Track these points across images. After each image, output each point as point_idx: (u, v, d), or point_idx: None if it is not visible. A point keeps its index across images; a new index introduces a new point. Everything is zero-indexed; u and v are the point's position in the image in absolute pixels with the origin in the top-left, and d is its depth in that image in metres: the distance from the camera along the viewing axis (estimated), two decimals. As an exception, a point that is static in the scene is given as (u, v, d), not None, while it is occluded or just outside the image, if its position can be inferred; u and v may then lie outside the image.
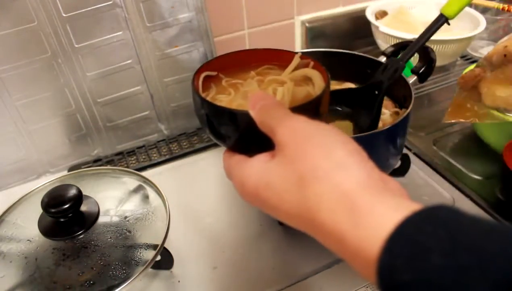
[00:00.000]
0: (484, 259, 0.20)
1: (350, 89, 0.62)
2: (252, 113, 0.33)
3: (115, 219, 0.51)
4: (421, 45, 0.57)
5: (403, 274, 0.22)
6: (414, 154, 0.72)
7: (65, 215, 0.47)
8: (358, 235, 0.25)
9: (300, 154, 0.29)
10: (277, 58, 0.45)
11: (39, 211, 0.48)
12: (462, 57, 1.00)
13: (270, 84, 0.42)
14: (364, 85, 0.60)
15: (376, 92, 0.57)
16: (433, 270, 0.21)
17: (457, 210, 0.23)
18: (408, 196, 0.28)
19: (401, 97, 0.61)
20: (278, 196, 0.30)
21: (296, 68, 0.44)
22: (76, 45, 0.68)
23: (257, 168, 0.32)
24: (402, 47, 0.65)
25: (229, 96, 0.42)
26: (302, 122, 0.31)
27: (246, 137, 0.36)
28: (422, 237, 0.22)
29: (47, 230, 0.48)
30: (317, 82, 0.41)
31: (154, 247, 0.48)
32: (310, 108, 0.36)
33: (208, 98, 0.41)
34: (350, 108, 0.61)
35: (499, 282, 0.20)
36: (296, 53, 0.44)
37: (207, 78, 0.44)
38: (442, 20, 0.55)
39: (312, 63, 0.43)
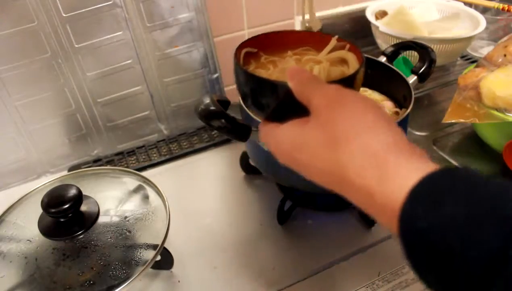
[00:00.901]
0: (493, 207, 0.23)
1: None
2: (291, 84, 0.36)
3: (115, 219, 0.51)
4: None
5: (421, 221, 0.24)
6: (414, 154, 0.72)
7: (65, 215, 0.47)
8: (384, 190, 0.27)
9: (334, 117, 0.31)
10: (315, 40, 0.47)
11: (39, 211, 0.48)
12: (462, 57, 1.00)
13: (307, 63, 0.44)
14: None
15: None
16: (446, 216, 0.24)
17: (472, 170, 0.26)
18: (429, 159, 0.30)
19: (401, 97, 0.61)
20: (311, 155, 0.32)
21: (332, 51, 0.45)
22: (76, 45, 0.68)
23: (292, 130, 0.34)
24: (402, 47, 0.65)
25: (268, 71, 0.44)
26: (336, 90, 0.33)
27: (283, 106, 0.38)
28: (439, 190, 0.25)
29: (47, 230, 0.48)
30: (352, 63, 0.43)
31: (154, 247, 0.48)
32: (344, 85, 0.38)
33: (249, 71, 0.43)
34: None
35: (508, 230, 0.22)
36: (333, 36, 0.46)
37: (247, 54, 0.46)
38: None
39: (348, 45, 0.45)
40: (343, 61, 0.44)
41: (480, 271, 0.22)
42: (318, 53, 0.46)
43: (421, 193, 0.25)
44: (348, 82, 0.39)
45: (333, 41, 0.45)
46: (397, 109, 0.62)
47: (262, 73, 0.44)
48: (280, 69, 0.44)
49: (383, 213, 0.27)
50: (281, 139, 0.35)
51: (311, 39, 0.47)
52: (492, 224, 0.22)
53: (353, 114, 0.31)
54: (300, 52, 0.47)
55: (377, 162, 0.28)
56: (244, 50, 0.45)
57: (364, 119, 0.30)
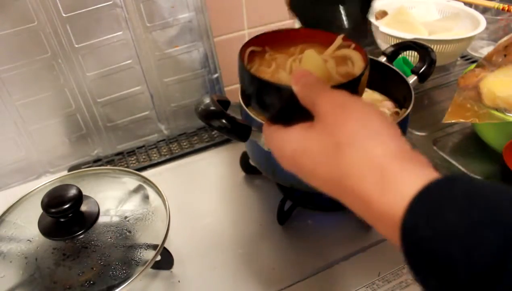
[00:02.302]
0: (496, 215, 0.23)
1: None
2: (295, 88, 0.35)
3: (115, 219, 0.51)
4: None
5: (423, 231, 0.24)
6: (414, 154, 0.72)
7: (65, 215, 0.47)
8: (384, 199, 0.27)
9: (338, 123, 0.31)
10: (320, 38, 0.47)
11: (39, 211, 0.48)
12: (462, 57, 1.00)
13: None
14: None
15: None
16: (448, 226, 0.23)
17: (473, 178, 0.26)
18: (433, 168, 0.29)
19: (401, 97, 0.61)
20: (314, 161, 0.32)
21: (337, 49, 0.45)
22: (76, 45, 0.68)
23: (295, 134, 0.34)
24: (402, 47, 0.65)
25: (270, 68, 0.44)
26: (342, 95, 0.33)
27: (287, 110, 0.38)
28: (440, 199, 0.25)
29: (47, 230, 0.48)
30: (357, 63, 0.43)
31: (154, 247, 0.48)
32: (350, 88, 0.38)
33: (252, 70, 0.43)
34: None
35: (509, 236, 0.22)
36: (339, 34, 0.46)
37: (251, 51, 0.46)
38: None
39: (353, 45, 0.45)
40: (348, 59, 0.44)
41: (484, 270, 0.22)
42: (324, 49, 0.46)
43: (422, 202, 0.25)
44: (354, 84, 0.39)
45: (339, 40, 0.45)
46: (397, 110, 0.62)
47: (266, 70, 0.44)
48: (284, 66, 0.44)
49: (383, 222, 0.27)
50: (284, 144, 0.35)
51: (316, 36, 0.47)
52: (494, 230, 0.22)
53: (356, 121, 0.31)
54: (305, 49, 0.47)
55: (378, 170, 0.28)
56: (248, 50, 0.45)
57: (367, 126, 0.30)
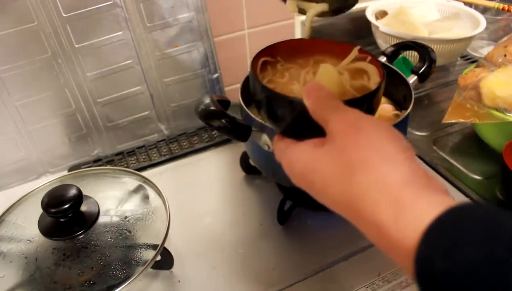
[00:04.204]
0: None
1: None
2: (307, 102, 0.35)
3: (115, 219, 0.51)
4: None
5: (440, 265, 0.23)
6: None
7: (65, 215, 0.47)
8: (397, 227, 0.26)
9: (350, 145, 0.30)
10: (335, 49, 0.46)
11: (39, 211, 0.48)
12: (462, 57, 1.00)
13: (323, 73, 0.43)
14: None
15: None
16: (470, 262, 0.22)
17: (491, 206, 0.25)
18: (449, 194, 0.29)
19: (401, 98, 0.61)
20: (325, 181, 0.31)
21: (352, 61, 0.45)
22: (76, 45, 0.68)
23: (306, 152, 0.33)
24: (402, 47, 0.65)
25: (283, 79, 0.43)
26: (355, 114, 0.32)
27: (298, 123, 0.38)
28: (457, 230, 0.23)
29: (47, 230, 0.48)
30: (372, 77, 0.42)
31: (154, 247, 0.48)
32: (364, 103, 0.37)
33: (264, 82, 0.42)
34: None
35: None
36: (355, 46, 0.45)
37: (264, 60, 0.46)
38: None
39: (369, 58, 0.44)
40: (364, 72, 0.43)
41: None
42: (338, 61, 0.45)
43: (437, 233, 0.24)
44: (369, 99, 0.38)
45: (354, 52, 0.44)
46: (397, 112, 0.62)
47: (278, 81, 0.43)
48: (296, 78, 0.43)
49: (397, 251, 0.26)
50: (294, 160, 0.34)
51: (330, 47, 0.46)
52: None
53: (369, 144, 0.30)
54: (320, 59, 0.46)
55: (392, 196, 0.27)
56: (261, 60, 0.44)
57: (381, 150, 0.29)
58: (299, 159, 0.34)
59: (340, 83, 0.41)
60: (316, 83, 0.36)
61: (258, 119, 0.52)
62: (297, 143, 0.35)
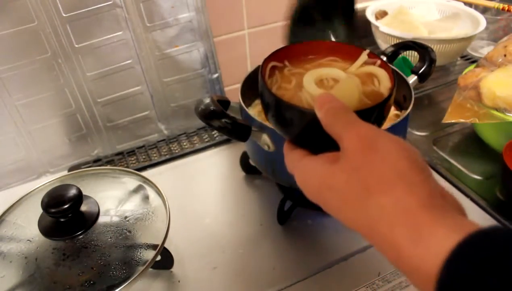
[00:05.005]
0: None
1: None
2: (319, 114, 0.34)
3: (115, 219, 0.51)
4: None
5: None
6: (414, 154, 0.72)
7: (65, 215, 0.47)
8: (417, 253, 0.25)
9: (367, 164, 0.29)
10: (344, 51, 0.45)
11: (39, 211, 0.48)
12: (462, 57, 1.00)
13: (330, 82, 0.42)
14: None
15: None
16: (490, 289, 0.22)
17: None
18: (465, 212, 0.29)
19: (401, 98, 0.61)
20: (340, 200, 0.30)
21: (362, 66, 0.44)
22: (76, 45, 0.68)
23: (321, 169, 0.32)
24: (402, 47, 0.65)
25: (291, 85, 0.42)
26: (370, 131, 0.31)
27: (310, 134, 0.37)
28: (480, 259, 0.23)
29: (47, 230, 0.48)
30: (383, 82, 0.41)
31: (154, 247, 0.48)
32: (377, 111, 0.36)
33: (274, 89, 0.41)
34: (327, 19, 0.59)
35: None
36: (364, 49, 0.44)
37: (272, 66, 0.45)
38: None
39: (379, 62, 0.43)
40: (373, 77, 0.42)
41: None
42: (346, 64, 0.44)
43: (458, 261, 0.23)
44: (381, 107, 0.37)
45: (364, 56, 0.43)
46: (397, 112, 0.62)
47: (287, 87, 0.42)
48: (305, 82, 0.42)
49: (417, 275, 0.26)
50: (309, 176, 0.33)
51: (340, 50, 0.45)
52: None
53: (386, 163, 0.29)
54: (327, 63, 0.45)
55: (410, 220, 0.26)
56: (270, 65, 0.43)
57: (397, 170, 0.29)
58: (313, 175, 0.33)
59: (360, 100, 0.39)
60: (328, 94, 0.35)
61: (258, 119, 0.52)
62: (310, 158, 0.34)
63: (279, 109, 0.38)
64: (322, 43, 0.46)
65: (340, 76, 0.42)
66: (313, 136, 0.36)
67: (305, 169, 0.34)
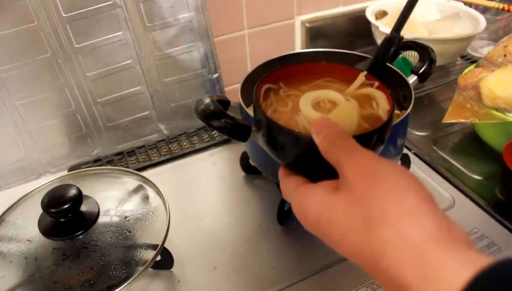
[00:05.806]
0: None
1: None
2: (317, 140, 0.32)
3: (115, 219, 0.51)
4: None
5: None
6: (414, 154, 0.72)
7: (65, 215, 0.47)
8: (427, 289, 0.24)
9: (368, 195, 0.28)
10: (340, 72, 0.44)
11: (39, 211, 0.48)
12: (462, 57, 1.00)
13: (327, 104, 0.41)
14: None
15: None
16: None
17: None
18: (473, 245, 0.27)
19: (401, 98, 0.61)
20: (341, 233, 0.29)
21: (359, 87, 0.43)
22: (76, 45, 0.68)
23: (320, 199, 0.31)
24: (402, 47, 0.65)
25: (287, 108, 0.41)
26: (371, 159, 0.30)
27: (307, 160, 0.35)
28: None
29: (47, 230, 0.48)
30: (381, 104, 0.40)
31: (154, 247, 0.48)
32: (376, 135, 0.35)
33: (269, 112, 0.40)
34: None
35: None
36: (362, 71, 0.43)
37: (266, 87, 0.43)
38: None
39: (377, 83, 0.42)
40: (371, 99, 0.41)
41: None
42: (343, 85, 0.43)
43: None
44: (381, 132, 0.36)
45: (361, 78, 0.42)
46: (397, 112, 0.62)
47: (282, 110, 0.41)
48: (300, 104, 0.41)
49: None
50: (307, 206, 0.32)
51: (336, 71, 0.44)
52: None
53: (389, 194, 0.27)
54: (323, 84, 0.44)
55: (417, 255, 0.25)
56: (264, 87, 0.42)
57: (401, 201, 0.27)
58: (311, 205, 0.31)
59: (359, 124, 0.38)
60: (326, 118, 0.34)
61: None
62: (307, 186, 0.33)
63: (275, 134, 0.37)
64: (317, 64, 0.45)
65: (337, 98, 0.41)
66: (311, 162, 0.35)
67: (302, 198, 0.32)
